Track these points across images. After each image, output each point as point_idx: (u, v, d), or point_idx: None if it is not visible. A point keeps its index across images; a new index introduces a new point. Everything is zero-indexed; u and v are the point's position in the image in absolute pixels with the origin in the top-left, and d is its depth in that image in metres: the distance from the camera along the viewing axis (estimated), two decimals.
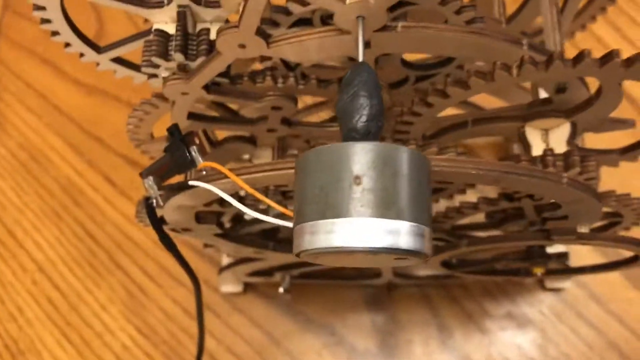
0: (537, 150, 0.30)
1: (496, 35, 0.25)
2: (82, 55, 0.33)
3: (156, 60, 0.28)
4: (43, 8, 0.29)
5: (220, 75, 0.29)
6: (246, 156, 0.40)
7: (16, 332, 0.53)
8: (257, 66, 0.36)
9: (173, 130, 0.27)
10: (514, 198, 0.31)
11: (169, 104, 0.32)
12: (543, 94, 0.35)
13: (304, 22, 0.31)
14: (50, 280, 0.54)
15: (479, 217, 0.37)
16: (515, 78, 0.25)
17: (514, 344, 0.51)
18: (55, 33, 0.31)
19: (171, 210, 0.30)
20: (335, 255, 0.20)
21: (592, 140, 0.36)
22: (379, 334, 0.52)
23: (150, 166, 0.29)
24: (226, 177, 0.25)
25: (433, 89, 0.27)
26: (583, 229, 0.30)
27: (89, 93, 0.61)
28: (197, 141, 0.26)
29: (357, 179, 0.19)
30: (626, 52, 0.25)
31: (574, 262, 0.44)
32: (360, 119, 0.21)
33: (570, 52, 0.26)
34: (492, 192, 0.50)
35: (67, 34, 0.31)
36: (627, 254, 0.48)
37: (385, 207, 0.19)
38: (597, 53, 0.25)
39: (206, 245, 0.40)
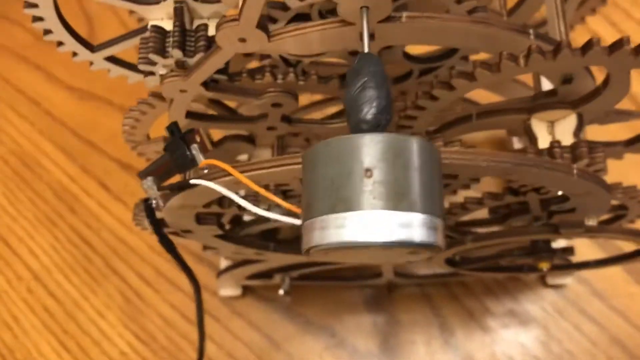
0: (543, 142, 0.29)
1: (502, 25, 0.25)
2: (75, 54, 0.32)
3: (153, 57, 0.28)
4: (35, 5, 0.28)
5: (219, 72, 0.29)
6: (243, 156, 0.40)
7: (12, 341, 0.52)
8: (254, 64, 0.36)
9: (172, 128, 0.27)
10: (519, 192, 0.31)
11: (166, 103, 0.32)
12: (545, 86, 0.34)
13: (302, 17, 0.30)
14: (46, 288, 0.53)
15: (481, 214, 0.36)
16: (523, 68, 0.25)
17: (517, 342, 0.50)
18: (47, 32, 0.30)
19: (172, 211, 0.29)
20: (346, 251, 0.19)
21: (590, 133, 0.35)
22: (380, 335, 0.52)
23: (149, 166, 0.29)
24: (228, 174, 0.24)
25: (438, 82, 0.27)
26: (591, 222, 0.30)
27: (81, 98, 0.60)
28: (198, 139, 0.25)
29: (368, 171, 0.19)
30: None
31: (573, 257, 0.43)
32: (370, 111, 0.20)
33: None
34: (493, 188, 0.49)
35: (60, 33, 0.30)
36: (627, 248, 0.48)
37: (398, 200, 0.19)
38: None
39: (205, 248, 0.39)
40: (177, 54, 0.27)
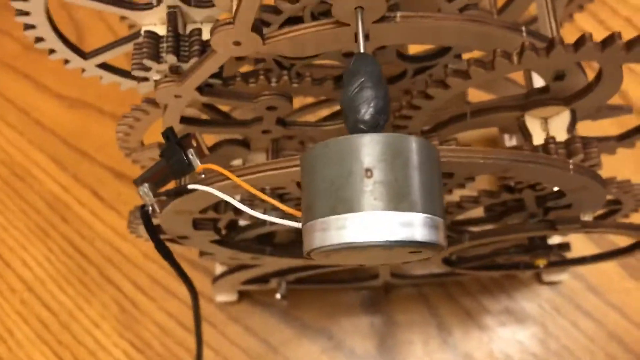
0: (537, 139, 0.29)
1: (495, 23, 0.25)
2: (66, 62, 0.32)
3: (147, 62, 0.28)
4: (27, 13, 0.28)
5: (213, 76, 0.29)
6: (237, 161, 0.40)
7: (6, 353, 0.51)
8: (247, 68, 0.36)
9: (168, 134, 0.26)
10: (515, 189, 0.31)
11: (160, 109, 0.32)
12: (537, 83, 0.35)
13: (294, 20, 0.30)
14: (40, 299, 0.53)
15: (475, 213, 0.36)
16: (516, 66, 0.25)
17: (514, 340, 0.50)
18: (39, 39, 0.30)
19: (168, 217, 0.29)
20: (347, 252, 0.19)
21: (581, 129, 0.36)
22: (378, 336, 0.52)
23: (145, 173, 0.29)
24: (226, 178, 0.24)
25: (433, 81, 0.27)
26: (586, 217, 0.30)
27: (71, 106, 0.60)
28: (194, 144, 0.25)
29: (368, 172, 0.19)
30: None
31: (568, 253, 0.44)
32: (368, 111, 0.20)
33: None
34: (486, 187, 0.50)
35: (52, 40, 0.30)
36: (621, 242, 0.48)
37: (398, 200, 0.19)
38: None
39: (202, 254, 0.39)
40: (171, 59, 0.27)
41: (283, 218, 0.22)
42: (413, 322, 0.52)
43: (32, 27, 0.29)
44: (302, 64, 0.31)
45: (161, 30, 0.29)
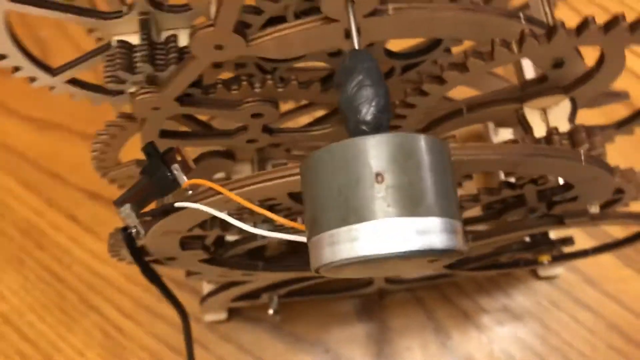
0: (538, 131, 0.28)
1: (492, 11, 0.23)
2: (33, 79, 0.30)
3: (122, 74, 0.26)
4: None
5: (193, 85, 0.27)
6: (219, 174, 0.38)
7: None
8: (225, 75, 0.34)
9: (149, 149, 0.25)
10: (516, 185, 0.30)
11: (137, 123, 0.30)
12: (529, 74, 0.33)
13: (276, 21, 0.28)
14: (19, 331, 0.50)
15: (469, 212, 0.35)
16: (516, 54, 0.24)
17: (514, 338, 0.49)
18: (2, 57, 0.28)
19: (155, 238, 0.27)
20: (361, 265, 0.18)
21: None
22: (375, 344, 0.50)
23: (125, 193, 0.27)
24: (216, 193, 0.22)
25: (428, 76, 0.25)
26: (593, 209, 0.29)
27: (40, 128, 0.57)
28: (179, 158, 0.23)
29: (379, 176, 0.17)
30: None
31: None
32: (370, 111, 0.19)
33: None
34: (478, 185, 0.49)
35: (16, 58, 0.28)
36: (615, 233, 0.47)
37: (414, 204, 0.17)
38: None
39: (189, 274, 0.37)
40: (147, 68, 0.25)
41: (280, 232, 0.20)
42: (410, 327, 0.50)
43: None
44: (285, 68, 0.30)
45: (133, 39, 0.27)
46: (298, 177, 0.20)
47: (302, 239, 0.19)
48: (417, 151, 0.18)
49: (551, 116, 0.28)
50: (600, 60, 0.26)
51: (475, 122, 0.29)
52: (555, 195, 0.28)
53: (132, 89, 0.26)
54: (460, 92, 0.35)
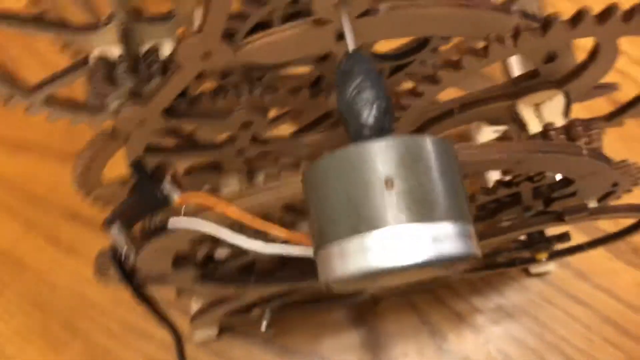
0: (533, 127, 0.27)
1: (486, 6, 0.23)
2: (7, 99, 0.29)
3: (104, 88, 0.24)
4: None
5: (177, 96, 0.26)
6: (205, 187, 0.37)
7: None
8: (207, 86, 0.33)
9: (137, 166, 0.23)
10: (512, 184, 0.29)
11: (120, 140, 0.28)
12: (515, 72, 0.33)
13: (261, 27, 0.28)
14: None
15: None
16: (512, 50, 0.23)
17: (510, 337, 0.49)
18: None
19: (147, 257, 0.26)
20: (373, 277, 0.17)
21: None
22: (371, 351, 0.50)
23: (113, 213, 0.26)
24: (210, 208, 0.21)
25: (422, 77, 0.25)
26: (592, 204, 0.28)
27: (15, 150, 0.56)
28: (170, 173, 0.22)
29: (389, 182, 0.16)
30: None
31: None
32: (372, 114, 0.18)
33: None
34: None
35: None
36: (607, 227, 0.47)
37: (426, 209, 0.16)
38: None
39: (180, 293, 0.36)
40: (130, 81, 0.24)
41: (291, 247, 0.19)
42: (405, 332, 0.50)
43: None
44: (271, 75, 0.29)
45: (113, 52, 0.26)
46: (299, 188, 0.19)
47: (308, 252, 0.18)
48: (425, 153, 0.17)
49: (545, 111, 0.28)
50: (595, 52, 0.25)
51: (467, 121, 0.29)
52: (553, 192, 0.28)
53: (115, 104, 0.25)
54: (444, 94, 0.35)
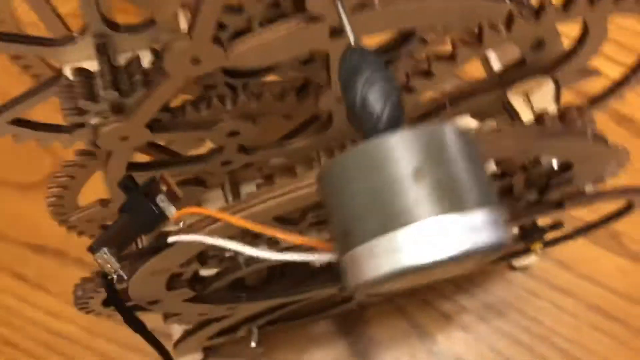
0: (525, 116, 0.27)
1: None
2: None
3: (83, 104, 0.23)
4: None
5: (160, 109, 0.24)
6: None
7: None
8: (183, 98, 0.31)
9: (127, 183, 0.22)
10: (505, 174, 0.29)
11: (98, 160, 0.27)
12: (496, 64, 0.33)
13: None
14: None
15: None
16: (505, 37, 0.23)
17: (500, 333, 0.49)
18: None
19: (142, 281, 0.24)
20: (408, 275, 0.16)
21: None
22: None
23: (101, 236, 0.24)
24: (214, 221, 0.20)
25: (414, 71, 0.24)
26: (588, 189, 0.28)
27: None
28: (164, 187, 0.21)
29: (417, 174, 0.15)
30: None
31: None
32: (387, 107, 0.17)
33: None
34: None
35: None
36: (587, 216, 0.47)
37: (459, 198, 0.15)
38: None
39: (167, 317, 0.34)
40: (112, 95, 0.23)
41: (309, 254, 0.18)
42: (395, 337, 0.49)
43: None
44: (255, 83, 0.28)
45: (89, 66, 0.24)
46: (311, 190, 0.18)
47: (329, 257, 0.17)
48: (448, 141, 0.16)
49: (534, 99, 0.28)
50: (584, 34, 0.25)
51: (460, 114, 0.28)
52: (550, 180, 0.27)
53: (95, 120, 0.24)
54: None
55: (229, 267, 0.32)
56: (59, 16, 0.24)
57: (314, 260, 0.18)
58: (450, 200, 0.15)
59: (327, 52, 0.22)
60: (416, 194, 0.15)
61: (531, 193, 0.30)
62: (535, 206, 0.29)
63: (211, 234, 0.20)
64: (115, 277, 0.24)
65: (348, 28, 0.19)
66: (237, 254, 0.32)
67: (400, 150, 0.16)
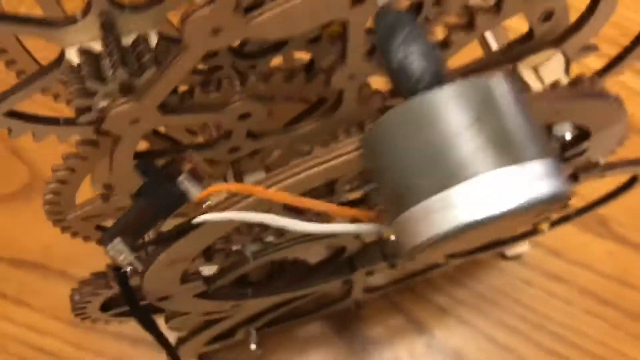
0: (535, 89, 0.27)
1: None
2: None
3: (92, 84, 0.22)
4: None
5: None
6: None
7: None
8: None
9: (144, 166, 0.21)
10: None
11: (100, 150, 0.25)
12: (493, 45, 0.33)
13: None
14: None
15: None
16: (500, 19, 0.23)
17: (496, 323, 0.49)
18: None
19: (158, 272, 0.23)
20: (465, 234, 0.15)
21: None
22: (360, 358, 0.48)
23: (112, 227, 0.23)
24: (246, 197, 0.19)
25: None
26: (602, 160, 0.28)
27: None
28: (189, 165, 0.20)
29: (473, 127, 0.15)
30: None
31: None
32: (429, 65, 0.16)
33: None
34: None
35: None
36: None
37: (515, 150, 0.15)
38: None
39: (169, 319, 0.33)
40: (121, 74, 0.22)
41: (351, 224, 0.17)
42: (392, 334, 0.48)
43: None
44: (262, 63, 0.27)
45: (93, 47, 0.23)
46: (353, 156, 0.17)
47: (377, 227, 0.16)
48: (500, 92, 0.16)
49: (544, 73, 0.28)
50: (593, 5, 0.25)
51: None
52: (565, 151, 0.27)
53: (103, 103, 0.22)
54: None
55: (236, 261, 0.31)
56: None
57: (361, 232, 0.17)
58: (506, 152, 0.15)
59: (347, 20, 0.21)
60: (473, 148, 0.15)
61: None
62: None
63: (246, 209, 0.19)
64: (129, 269, 0.23)
65: None
66: (243, 247, 0.31)
67: (454, 104, 0.15)
